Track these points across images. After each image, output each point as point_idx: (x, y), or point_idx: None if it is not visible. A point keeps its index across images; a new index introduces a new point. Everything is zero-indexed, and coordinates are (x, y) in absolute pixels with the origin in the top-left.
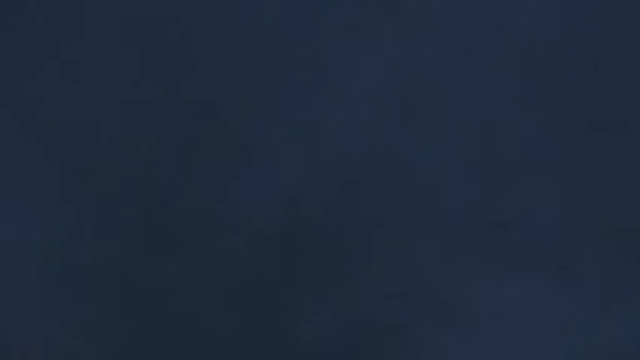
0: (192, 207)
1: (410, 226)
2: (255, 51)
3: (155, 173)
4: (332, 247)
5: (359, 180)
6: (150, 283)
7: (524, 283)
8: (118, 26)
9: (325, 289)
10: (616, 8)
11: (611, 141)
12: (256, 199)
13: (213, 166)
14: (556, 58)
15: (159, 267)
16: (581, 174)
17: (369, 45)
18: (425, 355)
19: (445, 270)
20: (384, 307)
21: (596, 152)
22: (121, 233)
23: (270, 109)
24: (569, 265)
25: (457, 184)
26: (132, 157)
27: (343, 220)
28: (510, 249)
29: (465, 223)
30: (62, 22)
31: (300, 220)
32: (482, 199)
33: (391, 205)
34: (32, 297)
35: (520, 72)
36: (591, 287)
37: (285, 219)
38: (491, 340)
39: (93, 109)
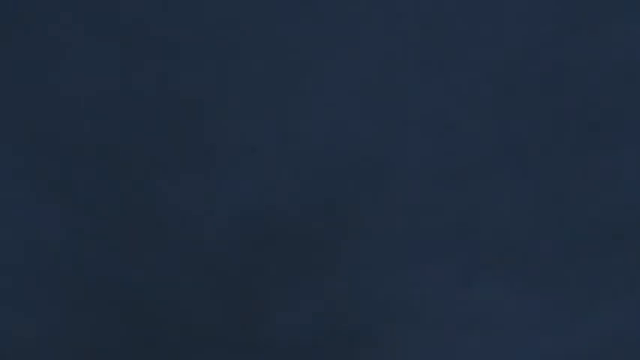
0: (171, 206)
1: (385, 227)
2: (232, 51)
3: (132, 173)
4: (308, 247)
5: (336, 181)
6: (130, 282)
7: (496, 284)
8: (90, 23)
9: (301, 289)
10: (590, 15)
11: (581, 143)
12: (233, 199)
13: (191, 166)
14: (530, 63)
15: (137, 267)
16: (551, 175)
17: (346, 47)
18: (395, 355)
19: (417, 271)
20: (359, 307)
21: (567, 154)
22: (99, 233)
23: (246, 109)
24: (538, 266)
25: (435, 185)
26: (108, 156)
27: (320, 220)
28: (481, 250)
29: (438, 224)
30: (28, 15)
31: (277, 220)
32: (453, 200)
33: (365, 205)
34: (11, 296)
35: (495, 75)
36: (561, 288)
37: (262, 219)
38: (462, 341)
39: (63, 109)
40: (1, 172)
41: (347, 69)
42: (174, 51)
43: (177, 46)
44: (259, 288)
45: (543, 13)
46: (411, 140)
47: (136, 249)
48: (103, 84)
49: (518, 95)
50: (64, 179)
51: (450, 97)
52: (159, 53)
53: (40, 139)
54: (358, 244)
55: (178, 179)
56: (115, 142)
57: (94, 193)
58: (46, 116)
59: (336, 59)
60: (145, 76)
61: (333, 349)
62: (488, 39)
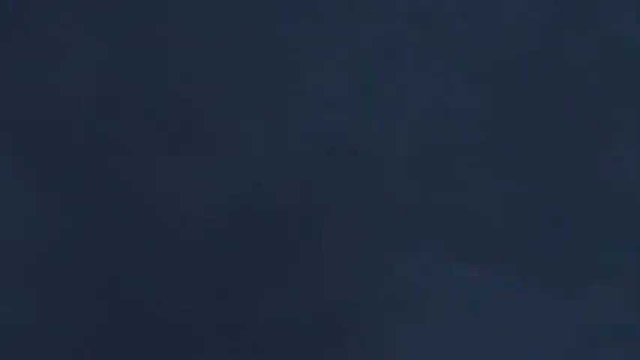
0: (159, 194)
1: (369, 217)
2: (227, 48)
3: (120, 162)
4: (291, 236)
5: (320, 170)
6: (116, 272)
7: (478, 273)
8: (83, 17)
9: (283, 277)
10: (579, 12)
11: (561, 135)
12: (218, 189)
13: (180, 154)
14: (521, 60)
15: (124, 257)
16: (539, 169)
17: (333, 41)
18: (380, 344)
19: (401, 260)
20: (342, 296)
21: (549, 144)
22: (88, 227)
23: (235, 100)
24: (521, 254)
25: (417, 176)
26: (101, 148)
27: (304, 209)
28: (463, 239)
29: (421, 213)
30: (16, 17)
31: (261, 209)
32: (436, 191)
33: (349, 196)
34: (6, 295)
35: (479, 71)
36: (542, 276)
37: (247, 208)
38: (445, 328)
39: (55, 105)
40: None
41: (335, 65)
42: (172, 50)
43: (175, 45)
44: (246, 284)
45: (542, 12)
46: (399, 134)
47: (124, 242)
48: (102, 84)
49: (509, 90)
50: (60, 177)
51: (438, 94)
52: (158, 52)
53: (38, 138)
54: (346, 237)
55: (169, 173)
56: (113, 141)
57: (86, 191)
58: (46, 116)
59: (325, 56)
60: (143, 75)
61: (320, 343)
62: (482, 36)
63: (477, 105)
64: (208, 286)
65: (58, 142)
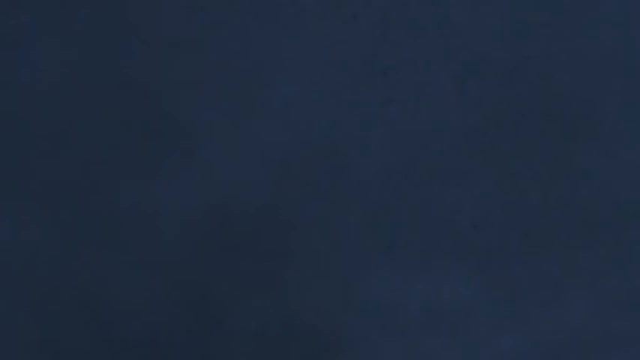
0: (129, 203)
1: (345, 226)
2: (194, 50)
3: (89, 168)
4: (266, 246)
5: (294, 179)
6: (86, 280)
7: (458, 282)
8: (51, 16)
9: (258, 289)
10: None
11: (543, 138)
12: (190, 197)
13: (151, 162)
14: (492, 60)
15: (95, 264)
16: (515, 171)
17: (302, 44)
18: (359, 356)
19: (379, 270)
20: (319, 308)
21: (533, 149)
22: (57, 231)
23: (203, 108)
24: (501, 262)
25: (394, 183)
26: (67, 151)
27: (277, 218)
28: (442, 247)
29: (395, 222)
30: None
31: (233, 219)
32: (415, 198)
33: (324, 204)
34: None
35: (453, 73)
36: (523, 283)
37: (219, 217)
38: (426, 338)
39: (22, 102)
40: None
41: (305, 68)
42: (133, 60)
43: (135, 52)
44: (216, 292)
45: (515, 9)
46: (370, 138)
47: (95, 249)
48: (68, 83)
49: (481, 90)
50: (21, 181)
51: (409, 96)
52: (121, 61)
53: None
54: (323, 243)
55: (135, 182)
56: (75, 145)
57: (50, 195)
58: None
59: (295, 58)
60: (106, 81)
61: (290, 354)
62: (455, 35)
63: (456, 109)
64: (174, 299)
65: (20, 141)
